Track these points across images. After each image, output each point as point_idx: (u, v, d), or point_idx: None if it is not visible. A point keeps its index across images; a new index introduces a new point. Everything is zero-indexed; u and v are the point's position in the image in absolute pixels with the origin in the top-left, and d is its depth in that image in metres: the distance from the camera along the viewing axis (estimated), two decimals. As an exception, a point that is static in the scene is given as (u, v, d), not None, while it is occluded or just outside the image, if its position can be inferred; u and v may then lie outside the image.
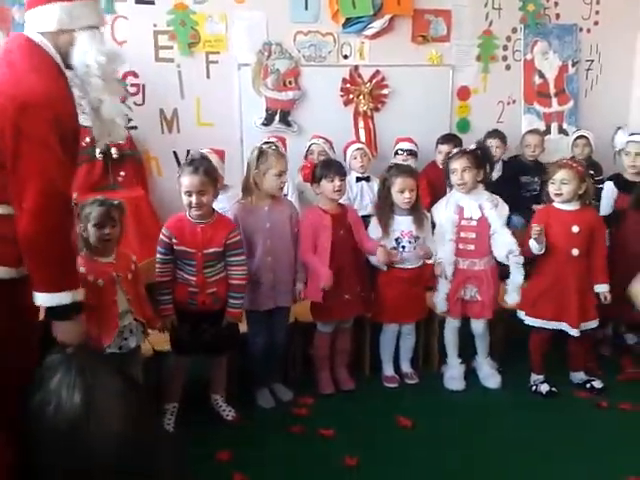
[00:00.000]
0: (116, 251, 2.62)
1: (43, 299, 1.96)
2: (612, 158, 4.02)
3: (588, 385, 3.20)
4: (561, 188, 3.00)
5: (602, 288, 3.07)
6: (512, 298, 3.11)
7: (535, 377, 3.24)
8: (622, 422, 2.93)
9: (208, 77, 4.01)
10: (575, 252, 2.99)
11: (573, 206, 3.05)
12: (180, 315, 2.77)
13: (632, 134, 3.78)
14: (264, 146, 2.95)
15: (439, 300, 3.19)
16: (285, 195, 3.48)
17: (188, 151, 3.89)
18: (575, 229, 2.99)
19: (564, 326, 3.06)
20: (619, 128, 3.96)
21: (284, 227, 3.00)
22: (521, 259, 3.03)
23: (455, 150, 3.22)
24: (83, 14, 1.97)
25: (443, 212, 3.16)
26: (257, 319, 2.99)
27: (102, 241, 2.53)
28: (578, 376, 3.25)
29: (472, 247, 3.12)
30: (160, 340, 2.85)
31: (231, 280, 2.80)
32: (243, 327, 3.03)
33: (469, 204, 3.12)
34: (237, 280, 2.80)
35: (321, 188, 3.08)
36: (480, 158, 3.12)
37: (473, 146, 3.19)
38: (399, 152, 4.04)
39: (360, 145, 3.98)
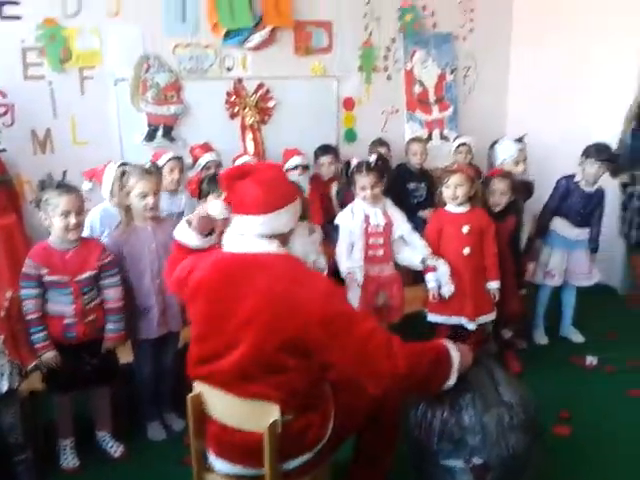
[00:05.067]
0: None
1: None
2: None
3: None
4: (456, 192, 3.08)
5: (492, 285, 3.17)
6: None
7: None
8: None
9: (82, 94, 3.79)
10: (466, 251, 3.08)
11: (464, 208, 3.13)
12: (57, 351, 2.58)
13: (517, 140, 3.79)
14: (127, 167, 2.83)
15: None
16: (182, 212, 3.38)
17: (64, 172, 3.69)
18: (465, 229, 3.08)
19: (463, 320, 3.13)
20: (495, 142, 3.86)
21: (169, 247, 2.89)
22: (440, 260, 3.08)
23: (357, 163, 3.14)
24: None
25: (351, 221, 3.13)
26: (144, 348, 2.86)
27: None
28: None
29: (381, 252, 3.14)
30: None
31: (107, 304, 2.66)
32: (128, 357, 2.91)
33: (374, 211, 3.12)
34: (114, 303, 2.67)
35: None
36: (382, 170, 3.15)
37: (373, 158, 3.16)
38: (291, 168, 3.88)
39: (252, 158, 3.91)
